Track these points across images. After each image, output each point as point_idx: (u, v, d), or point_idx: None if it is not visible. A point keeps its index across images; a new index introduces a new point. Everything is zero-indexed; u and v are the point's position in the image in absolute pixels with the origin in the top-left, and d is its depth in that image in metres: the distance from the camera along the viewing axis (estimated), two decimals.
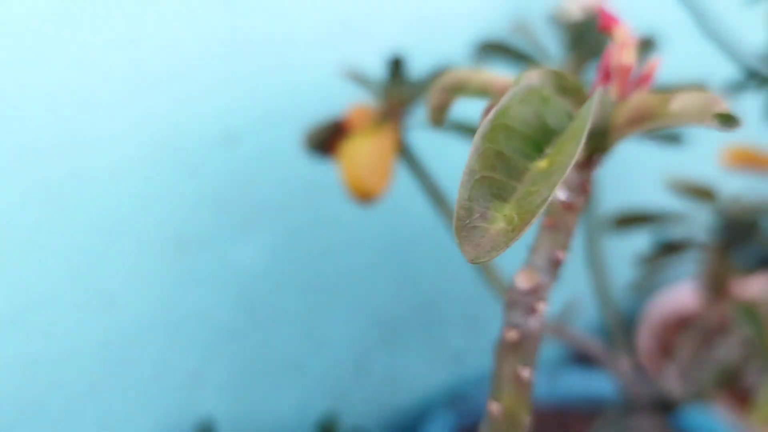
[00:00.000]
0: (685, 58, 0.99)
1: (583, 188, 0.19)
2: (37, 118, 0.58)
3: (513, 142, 0.14)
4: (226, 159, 0.70)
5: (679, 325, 1.08)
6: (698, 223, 0.68)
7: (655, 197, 0.81)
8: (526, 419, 0.18)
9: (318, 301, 0.83)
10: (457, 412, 0.95)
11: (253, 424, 0.84)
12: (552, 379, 0.99)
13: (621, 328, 0.63)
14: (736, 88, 0.78)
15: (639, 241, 0.74)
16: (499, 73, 0.19)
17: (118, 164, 0.64)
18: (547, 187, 0.13)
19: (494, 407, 0.18)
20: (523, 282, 0.17)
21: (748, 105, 0.76)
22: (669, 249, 0.68)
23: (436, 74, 0.58)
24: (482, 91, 0.19)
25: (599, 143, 0.18)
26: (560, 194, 0.19)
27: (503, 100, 0.14)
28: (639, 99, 0.18)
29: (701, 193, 0.67)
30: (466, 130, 0.53)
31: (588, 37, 0.58)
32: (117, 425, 0.73)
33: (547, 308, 0.17)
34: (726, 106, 0.16)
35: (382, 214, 0.83)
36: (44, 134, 0.59)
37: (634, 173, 1.06)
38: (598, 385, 0.99)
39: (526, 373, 0.18)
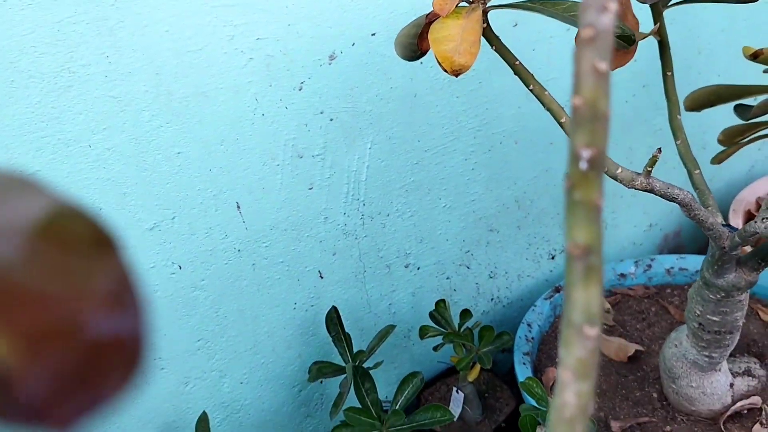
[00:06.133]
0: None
1: None
2: (162, 44, 0.61)
3: None
4: (328, 74, 0.71)
5: None
6: None
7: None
8: (606, 108, 0.18)
9: (421, 202, 0.84)
10: (554, 303, 0.94)
11: (372, 314, 0.87)
12: (648, 266, 0.97)
13: (708, 188, 0.60)
14: None
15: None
16: None
17: (236, 83, 0.66)
18: None
19: (577, 100, 0.18)
20: None
21: None
22: (750, 116, 0.64)
23: None
24: None
25: None
26: None
27: None
28: None
29: None
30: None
31: None
32: (253, 316, 0.77)
33: (615, 6, 0.17)
34: None
35: (474, 115, 0.82)
36: (169, 59, 0.62)
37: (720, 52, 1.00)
38: (690, 265, 0.96)
39: (603, 65, 0.18)
